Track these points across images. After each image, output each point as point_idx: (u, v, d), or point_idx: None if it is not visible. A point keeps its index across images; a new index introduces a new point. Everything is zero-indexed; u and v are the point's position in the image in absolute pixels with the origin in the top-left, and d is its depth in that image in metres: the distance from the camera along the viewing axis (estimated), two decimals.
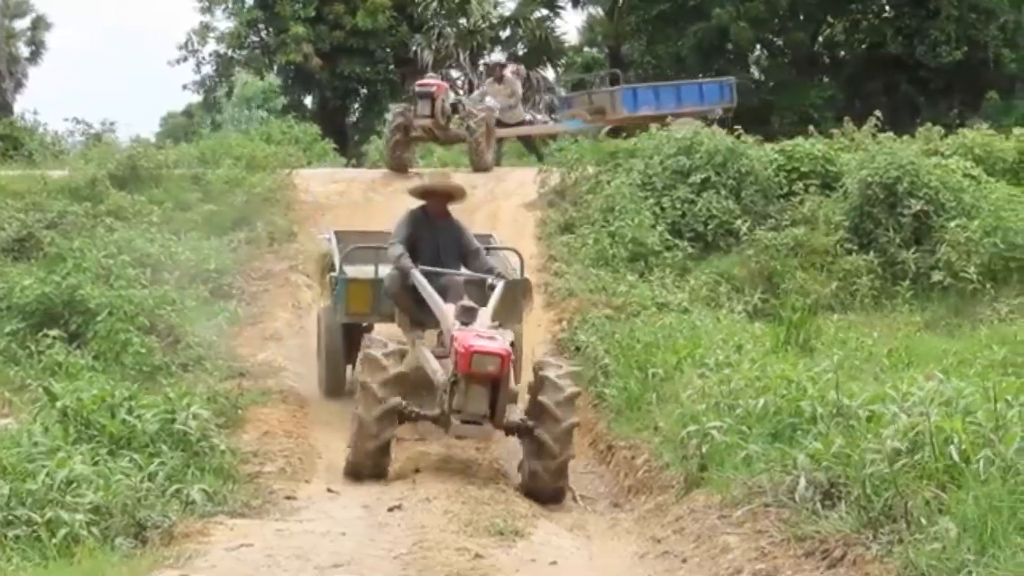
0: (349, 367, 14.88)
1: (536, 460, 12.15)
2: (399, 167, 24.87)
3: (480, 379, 11.93)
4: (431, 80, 25.73)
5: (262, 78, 38.23)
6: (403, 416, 12.36)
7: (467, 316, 12.47)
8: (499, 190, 23.74)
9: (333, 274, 15.40)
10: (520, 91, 27.14)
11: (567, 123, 29.65)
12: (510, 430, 12.53)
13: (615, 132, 28.89)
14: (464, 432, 12.29)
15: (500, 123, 26.27)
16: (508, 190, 24.04)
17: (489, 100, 25.99)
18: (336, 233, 16.42)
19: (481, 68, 28.05)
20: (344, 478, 12.37)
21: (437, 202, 14.30)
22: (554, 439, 11.99)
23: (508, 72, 27.32)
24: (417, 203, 14.46)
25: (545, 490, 12.16)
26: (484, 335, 12.15)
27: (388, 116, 26.04)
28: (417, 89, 25.25)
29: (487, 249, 14.93)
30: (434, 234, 14.15)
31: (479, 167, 24.98)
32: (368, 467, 12.28)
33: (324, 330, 15.55)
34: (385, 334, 13.99)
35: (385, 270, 14.27)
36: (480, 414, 12.03)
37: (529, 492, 12.15)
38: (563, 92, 39.73)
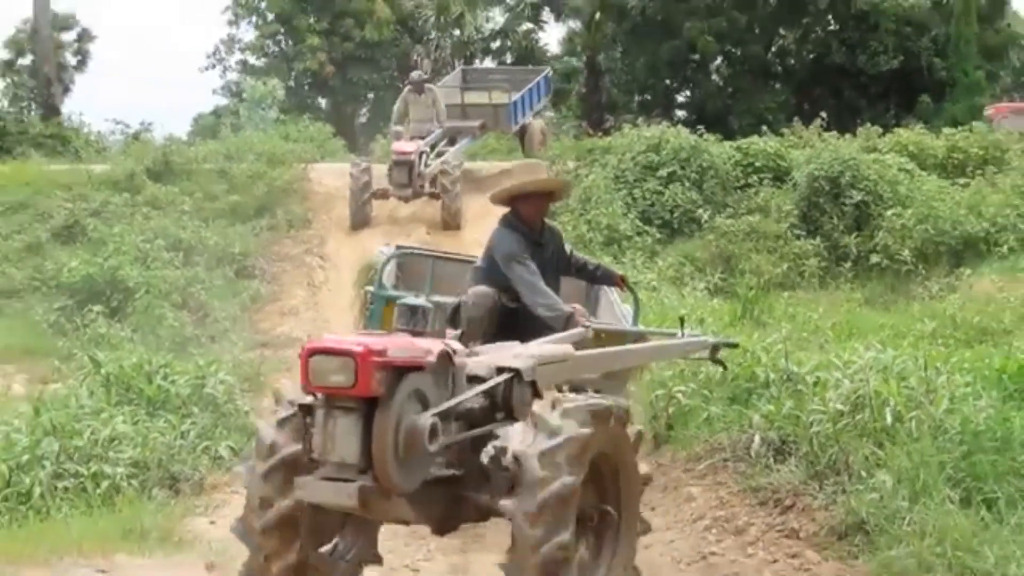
0: None
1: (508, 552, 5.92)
2: (364, 222, 21.15)
3: (334, 399, 5.89)
4: (407, 147, 20.92)
5: (264, 84, 38.10)
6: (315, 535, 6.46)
7: (410, 318, 6.40)
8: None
9: (369, 288, 9.86)
10: (441, 103, 22.42)
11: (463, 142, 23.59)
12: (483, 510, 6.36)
13: None
14: (317, 495, 5.98)
15: (420, 137, 21.75)
16: (493, 182, 23.90)
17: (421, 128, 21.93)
18: (399, 247, 10.72)
19: (407, 83, 23.13)
20: None
21: (535, 206, 8.17)
22: (526, 517, 5.82)
23: (428, 85, 22.85)
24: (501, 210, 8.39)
25: None
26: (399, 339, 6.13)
27: (352, 170, 21.37)
28: (395, 157, 20.92)
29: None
30: (540, 251, 8.15)
31: (451, 225, 20.71)
32: None
33: None
34: None
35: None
36: (347, 462, 5.86)
37: None
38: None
